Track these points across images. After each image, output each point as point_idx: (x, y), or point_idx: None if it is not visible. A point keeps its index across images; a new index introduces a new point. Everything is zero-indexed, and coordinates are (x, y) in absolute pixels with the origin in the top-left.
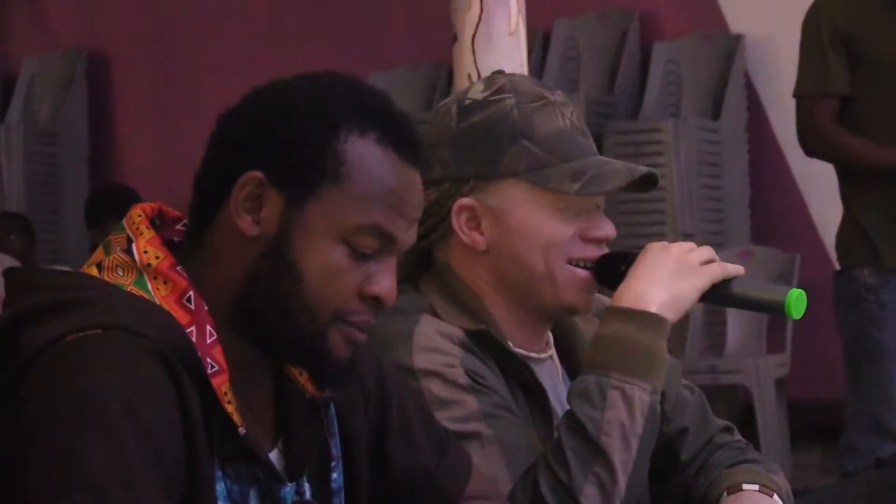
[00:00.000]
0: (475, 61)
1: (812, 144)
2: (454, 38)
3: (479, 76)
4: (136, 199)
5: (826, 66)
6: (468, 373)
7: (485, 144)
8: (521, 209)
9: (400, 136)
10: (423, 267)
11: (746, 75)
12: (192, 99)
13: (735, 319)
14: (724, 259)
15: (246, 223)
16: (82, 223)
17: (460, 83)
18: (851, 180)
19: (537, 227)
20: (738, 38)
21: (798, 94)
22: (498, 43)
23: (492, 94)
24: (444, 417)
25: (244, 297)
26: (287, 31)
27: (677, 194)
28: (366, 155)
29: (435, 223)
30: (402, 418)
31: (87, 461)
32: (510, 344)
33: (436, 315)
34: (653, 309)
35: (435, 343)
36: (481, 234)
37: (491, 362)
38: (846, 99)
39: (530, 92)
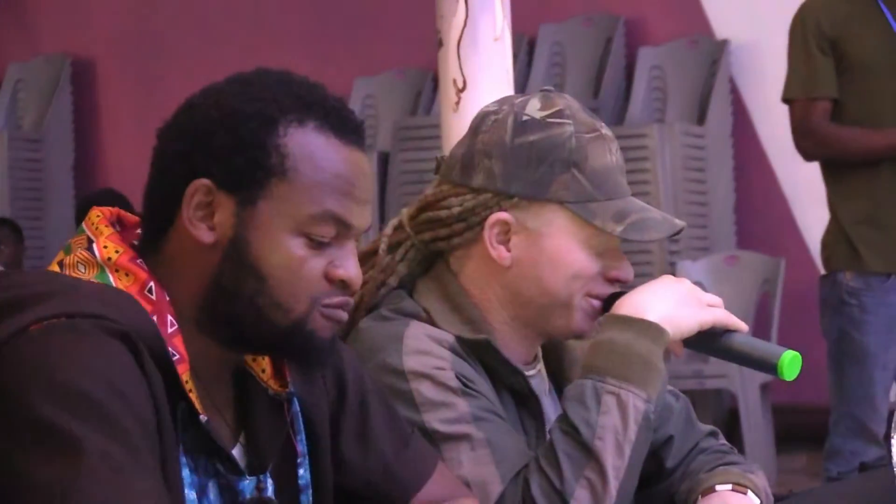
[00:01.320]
0: (461, 67)
1: (808, 146)
2: (440, 44)
3: (464, 82)
4: (126, 204)
5: (814, 70)
6: (458, 377)
7: (537, 166)
8: (558, 236)
9: (339, 120)
10: (422, 267)
11: (731, 81)
12: (176, 104)
13: None
14: (711, 263)
15: (201, 231)
16: (68, 228)
17: (446, 88)
18: (837, 185)
19: (569, 257)
20: (724, 44)
21: (789, 99)
22: (483, 48)
23: (550, 116)
24: (433, 419)
25: (211, 304)
26: (273, 37)
27: (662, 199)
28: (308, 144)
29: (462, 229)
30: (360, 408)
31: (85, 437)
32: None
33: (430, 320)
34: (652, 319)
35: (425, 346)
36: (508, 250)
37: (480, 369)
38: (836, 102)
39: (586, 122)
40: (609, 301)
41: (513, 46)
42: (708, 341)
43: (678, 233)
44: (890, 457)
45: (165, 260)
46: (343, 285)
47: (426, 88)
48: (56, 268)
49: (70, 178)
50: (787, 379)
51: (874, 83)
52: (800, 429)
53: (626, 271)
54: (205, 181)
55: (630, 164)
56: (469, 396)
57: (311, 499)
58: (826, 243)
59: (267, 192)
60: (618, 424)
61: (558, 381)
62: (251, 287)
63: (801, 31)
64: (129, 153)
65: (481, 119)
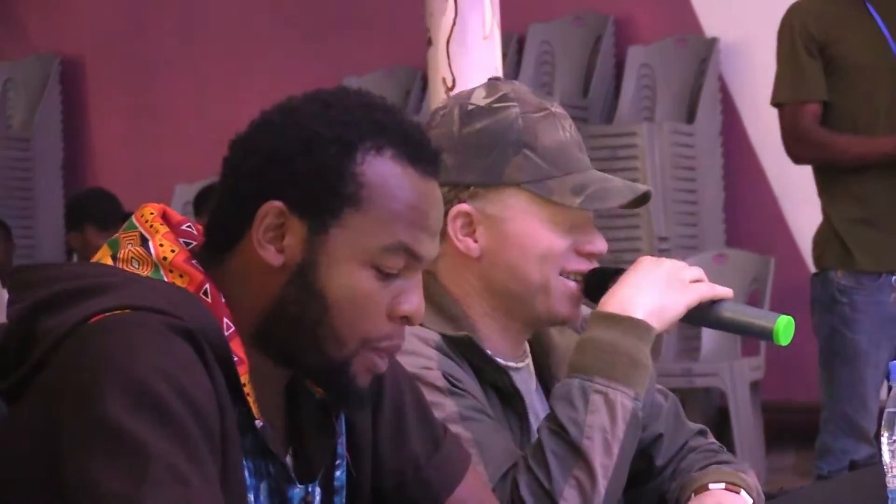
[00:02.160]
0: (450, 65)
1: (799, 152)
2: (429, 43)
3: (453, 80)
4: (116, 204)
5: (803, 73)
6: (445, 376)
7: (488, 152)
8: (520, 219)
9: (416, 149)
10: None
11: (721, 79)
12: (165, 104)
13: None
14: (700, 262)
15: (269, 253)
16: (57, 228)
17: (435, 87)
18: (828, 185)
19: (535, 237)
20: (713, 42)
21: (778, 103)
22: (472, 47)
23: (495, 101)
24: None
25: (271, 325)
26: (262, 36)
27: (652, 198)
28: (384, 174)
29: None
30: (395, 410)
31: (152, 444)
32: (489, 351)
33: None
34: (639, 315)
35: (412, 346)
36: (475, 241)
37: (467, 367)
38: (827, 105)
39: (533, 102)
40: (589, 280)
41: (502, 45)
42: (699, 316)
43: (643, 200)
44: (880, 455)
45: (228, 273)
46: (404, 321)
47: (415, 87)
48: (109, 262)
49: (59, 177)
50: (783, 344)
51: (864, 85)
52: (789, 427)
53: (598, 244)
54: (278, 204)
55: (619, 163)
56: (456, 396)
57: (344, 501)
58: (817, 242)
59: (340, 221)
60: (606, 423)
61: (545, 378)
62: (314, 315)
63: (789, 35)
64: (118, 153)
65: (431, 116)
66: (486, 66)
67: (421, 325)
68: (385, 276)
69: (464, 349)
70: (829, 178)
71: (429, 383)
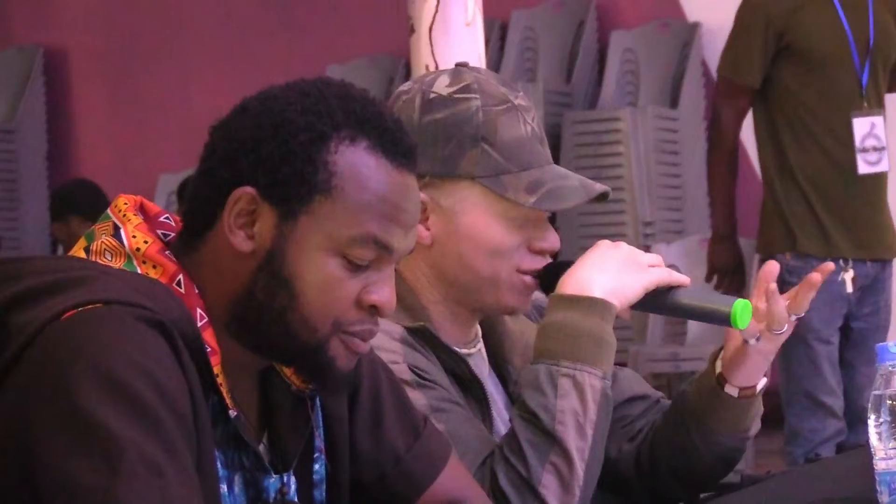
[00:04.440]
0: (433, 52)
1: (712, 128)
2: (411, 30)
3: (436, 67)
4: (101, 195)
5: (747, 56)
6: (412, 368)
7: (445, 143)
8: (473, 213)
9: (392, 142)
10: None
11: (704, 64)
12: (149, 94)
13: None
14: (685, 246)
15: (239, 239)
16: (41, 219)
17: (418, 75)
18: (779, 170)
19: (487, 233)
20: (695, 27)
21: (719, 74)
22: (455, 34)
23: (457, 92)
24: None
25: (241, 310)
26: (245, 25)
27: (636, 183)
28: (357, 164)
29: None
30: (372, 401)
31: (126, 436)
32: (444, 340)
33: None
34: (597, 294)
35: (376, 340)
36: (427, 228)
37: (432, 357)
38: (791, 94)
39: (496, 94)
40: (545, 275)
41: (485, 32)
42: (655, 302)
43: (602, 198)
44: (856, 434)
45: (201, 259)
46: (374, 311)
47: (398, 75)
48: (82, 254)
49: (44, 168)
50: (740, 328)
51: (823, 73)
52: (776, 410)
53: (551, 241)
54: (249, 189)
55: (603, 148)
56: (425, 388)
57: (324, 494)
58: (762, 229)
59: (310, 208)
60: (577, 406)
61: (499, 363)
62: (282, 301)
63: (750, 16)
64: (102, 144)
65: (395, 98)
66: (468, 52)
67: None
68: (354, 266)
69: (422, 339)
70: (778, 161)
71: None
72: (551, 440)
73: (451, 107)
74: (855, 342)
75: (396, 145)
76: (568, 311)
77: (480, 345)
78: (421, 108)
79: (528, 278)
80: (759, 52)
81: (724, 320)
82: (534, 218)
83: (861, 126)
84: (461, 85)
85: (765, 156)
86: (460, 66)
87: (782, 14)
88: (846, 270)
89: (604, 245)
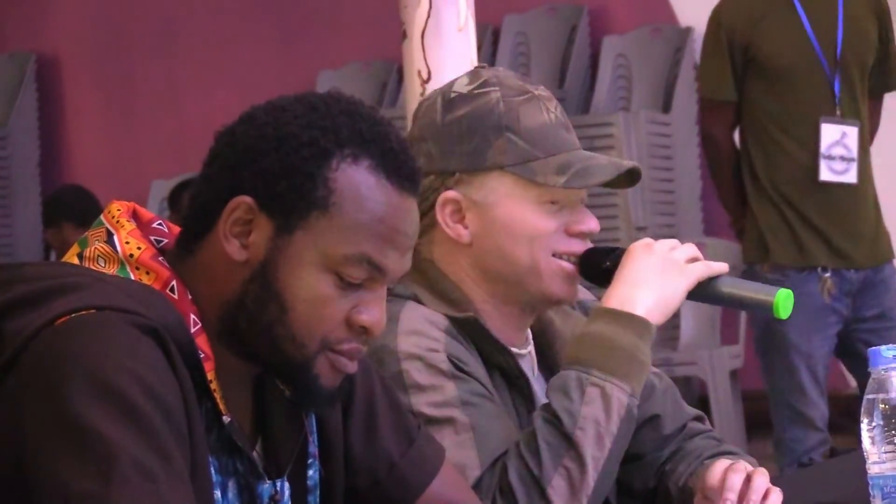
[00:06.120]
0: (425, 58)
1: (707, 146)
2: (404, 35)
3: (429, 73)
4: (94, 202)
5: (720, 73)
6: (451, 358)
7: (470, 138)
8: (506, 202)
9: (395, 163)
10: None
11: (696, 68)
12: (141, 101)
13: (688, 312)
14: None
15: (233, 247)
16: (34, 225)
17: (411, 80)
18: (751, 181)
19: (522, 220)
20: (688, 32)
21: (700, 94)
22: (447, 39)
23: (477, 88)
24: (421, 402)
25: (231, 318)
26: (238, 31)
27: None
28: (357, 183)
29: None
30: (367, 408)
31: (119, 442)
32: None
33: (420, 304)
34: (639, 312)
35: (420, 327)
36: (465, 227)
37: (473, 350)
38: (759, 105)
39: (515, 86)
40: (584, 261)
41: (477, 37)
42: (697, 293)
43: (632, 179)
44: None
45: (196, 264)
46: (363, 331)
47: (391, 80)
48: (76, 261)
49: (36, 174)
50: (782, 317)
51: (790, 83)
52: (769, 415)
53: (589, 223)
54: (247, 199)
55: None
56: (459, 380)
57: (318, 500)
58: (742, 240)
59: (306, 223)
60: (600, 416)
61: (551, 367)
62: (272, 314)
63: (715, 32)
64: (94, 150)
65: (417, 108)
66: (461, 57)
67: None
68: (346, 284)
69: (470, 331)
70: (747, 175)
71: (432, 365)
72: (568, 443)
73: (473, 102)
74: (872, 344)
75: (399, 167)
76: (607, 324)
77: (531, 347)
78: (443, 108)
79: (567, 265)
80: (729, 68)
81: (768, 309)
82: (569, 202)
83: (829, 132)
84: (480, 81)
85: (743, 169)
86: (478, 67)
87: (745, 27)
88: (823, 280)
89: (637, 252)
